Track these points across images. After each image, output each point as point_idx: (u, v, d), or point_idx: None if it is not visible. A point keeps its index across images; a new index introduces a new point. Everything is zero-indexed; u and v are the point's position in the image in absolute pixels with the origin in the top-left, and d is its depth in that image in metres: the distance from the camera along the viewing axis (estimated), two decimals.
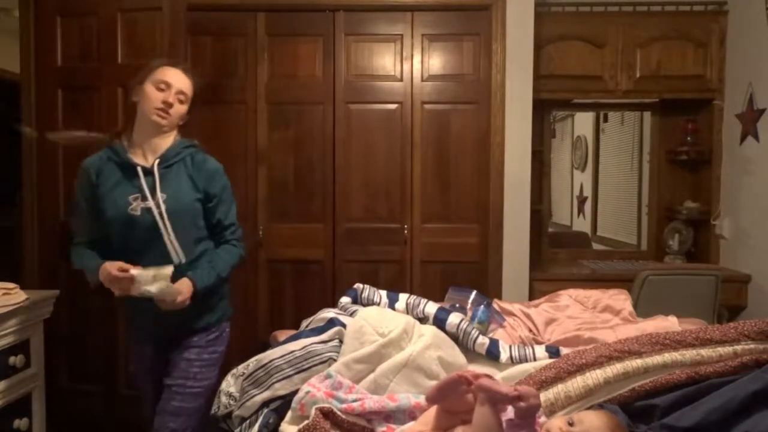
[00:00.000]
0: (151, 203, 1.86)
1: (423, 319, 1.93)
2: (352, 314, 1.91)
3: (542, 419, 1.39)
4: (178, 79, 1.93)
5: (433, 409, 1.38)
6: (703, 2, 3.52)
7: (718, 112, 3.54)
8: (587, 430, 1.29)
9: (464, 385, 1.29)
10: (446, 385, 1.32)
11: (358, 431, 1.45)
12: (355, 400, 1.48)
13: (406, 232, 3.32)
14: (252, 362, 1.75)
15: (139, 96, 1.93)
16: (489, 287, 3.25)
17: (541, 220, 3.78)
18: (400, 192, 3.33)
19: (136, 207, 1.87)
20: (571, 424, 1.30)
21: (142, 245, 1.88)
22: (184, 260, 1.90)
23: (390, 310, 1.95)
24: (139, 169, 1.89)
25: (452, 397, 1.32)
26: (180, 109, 1.94)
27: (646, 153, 3.88)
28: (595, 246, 4.15)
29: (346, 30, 3.30)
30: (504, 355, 1.82)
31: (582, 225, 4.22)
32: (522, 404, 1.21)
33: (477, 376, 1.31)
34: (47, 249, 3.31)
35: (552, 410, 1.51)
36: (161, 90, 1.90)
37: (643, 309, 2.62)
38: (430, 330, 1.79)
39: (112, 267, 1.79)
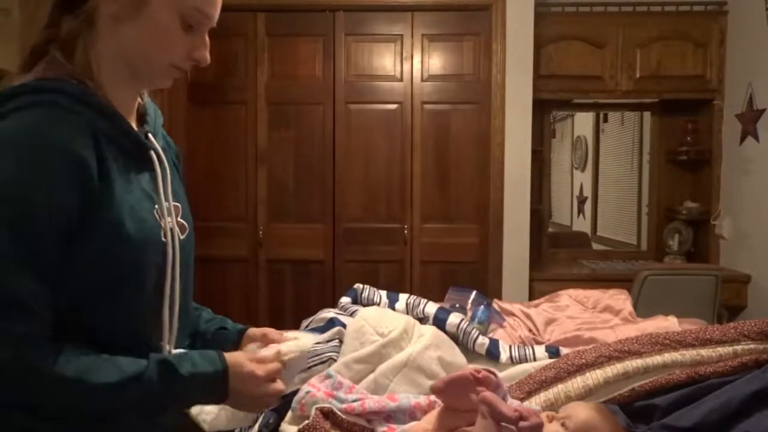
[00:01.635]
0: (171, 220, 0.93)
1: (423, 319, 1.93)
2: (352, 314, 1.91)
3: (515, 403, 1.39)
4: (218, 8, 0.93)
5: (437, 409, 1.38)
6: (703, 2, 3.51)
7: (718, 112, 3.54)
8: (570, 416, 1.30)
9: (473, 382, 1.29)
10: (456, 380, 1.31)
11: (359, 431, 1.46)
12: (355, 400, 1.48)
13: (406, 232, 3.32)
14: None
15: (126, 15, 0.85)
16: (489, 287, 3.25)
17: (541, 220, 3.78)
18: (400, 192, 3.33)
19: (165, 228, 0.91)
20: (563, 425, 1.31)
21: (146, 313, 0.90)
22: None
23: (390, 310, 1.95)
24: (152, 154, 0.93)
25: (458, 393, 1.32)
26: None
27: (646, 153, 3.88)
28: (595, 246, 4.15)
29: (346, 30, 3.30)
30: (504, 355, 1.82)
31: (582, 225, 4.22)
32: (525, 423, 1.21)
33: (483, 377, 1.31)
34: None
35: (552, 410, 1.51)
36: (190, 29, 0.89)
37: (643, 309, 2.62)
38: (430, 330, 1.79)
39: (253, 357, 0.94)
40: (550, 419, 1.33)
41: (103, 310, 0.84)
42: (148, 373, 0.82)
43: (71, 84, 0.83)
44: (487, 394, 1.21)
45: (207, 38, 0.93)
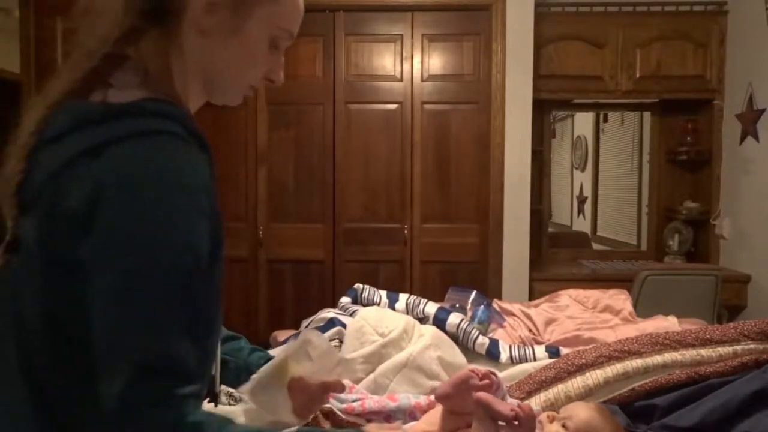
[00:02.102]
0: None
1: (423, 319, 1.93)
2: (352, 314, 1.91)
3: (513, 402, 1.38)
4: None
5: (438, 409, 1.38)
6: (703, 2, 3.51)
7: (718, 112, 3.54)
8: (571, 416, 1.30)
9: (476, 380, 1.28)
10: (461, 383, 1.30)
11: None
12: (355, 400, 1.48)
13: (406, 232, 3.32)
14: None
15: (220, 30, 0.80)
16: (489, 287, 3.25)
17: (541, 220, 3.78)
18: (400, 192, 3.33)
19: None
20: (564, 425, 1.31)
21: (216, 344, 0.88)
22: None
23: (390, 310, 1.95)
24: None
25: (462, 396, 1.31)
26: None
27: (646, 153, 3.88)
28: (595, 246, 4.15)
29: (346, 30, 3.30)
30: (504, 355, 1.82)
31: (582, 225, 4.22)
32: (520, 430, 1.21)
33: (483, 375, 1.31)
34: None
35: (552, 410, 1.51)
36: (276, 49, 0.89)
37: (643, 309, 2.62)
38: (430, 330, 1.79)
39: None
40: (551, 420, 1.33)
41: (197, 349, 0.77)
42: None
43: (181, 109, 0.76)
44: (482, 394, 1.21)
45: (283, 58, 0.91)
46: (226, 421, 0.72)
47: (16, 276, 0.73)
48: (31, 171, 0.72)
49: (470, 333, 1.86)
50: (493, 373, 1.31)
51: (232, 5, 0.79)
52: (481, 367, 1.33)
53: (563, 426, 1.30)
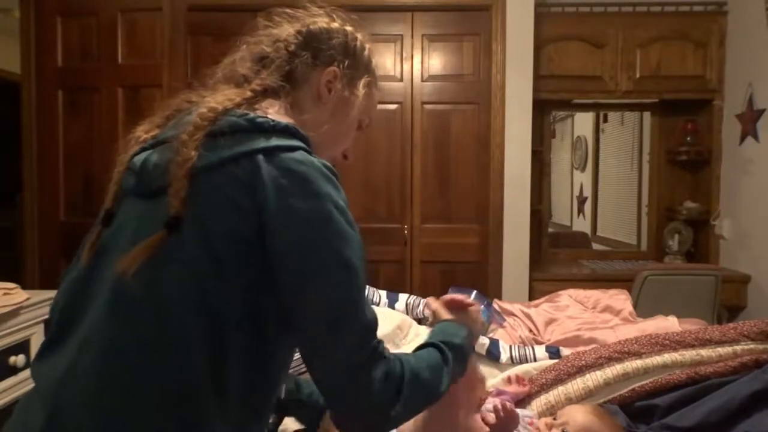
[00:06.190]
0: None
1: (423, 320, 1.93)
2: None
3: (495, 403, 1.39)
4: None
5: None
6: (702, 2, 3.52)
7: (718, 112, 3.54)
8: (568, 422, 1.30)
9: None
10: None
11: None
12: None
13: (406, 232, 3.32)
14: None
15: (349, 108, 1.03)
16: (489, 287, 3.25)
17: (541, 220, 3.78)
18: (400, 192, 3.33)
19: None
20: (563, 431, 1.31)
21: None
22: None
23: (388, 310, 1.95)
24: None
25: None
26: None
27: (646, 153, 3.88)
28: (595, 246, 4.15)
29: None
30: (504, 356, 1.82)
31: (582, 225, 4.22)
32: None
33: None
34: (47, 249, 3.31)
35: (552, 412, 1.51)
36: (359, 130, 1.07)
37: (643, 309, 2.62)
38: (427, 331, 1.79)
39: None
40: (549, 427, 1.32)
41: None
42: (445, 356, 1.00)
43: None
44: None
45: None
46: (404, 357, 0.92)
47: (174, 250, 0.80)
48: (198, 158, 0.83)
49: None
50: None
51: (342, 91, 1.00)
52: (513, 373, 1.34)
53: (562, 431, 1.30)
